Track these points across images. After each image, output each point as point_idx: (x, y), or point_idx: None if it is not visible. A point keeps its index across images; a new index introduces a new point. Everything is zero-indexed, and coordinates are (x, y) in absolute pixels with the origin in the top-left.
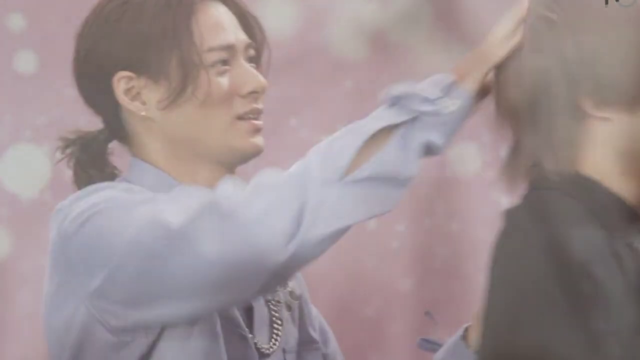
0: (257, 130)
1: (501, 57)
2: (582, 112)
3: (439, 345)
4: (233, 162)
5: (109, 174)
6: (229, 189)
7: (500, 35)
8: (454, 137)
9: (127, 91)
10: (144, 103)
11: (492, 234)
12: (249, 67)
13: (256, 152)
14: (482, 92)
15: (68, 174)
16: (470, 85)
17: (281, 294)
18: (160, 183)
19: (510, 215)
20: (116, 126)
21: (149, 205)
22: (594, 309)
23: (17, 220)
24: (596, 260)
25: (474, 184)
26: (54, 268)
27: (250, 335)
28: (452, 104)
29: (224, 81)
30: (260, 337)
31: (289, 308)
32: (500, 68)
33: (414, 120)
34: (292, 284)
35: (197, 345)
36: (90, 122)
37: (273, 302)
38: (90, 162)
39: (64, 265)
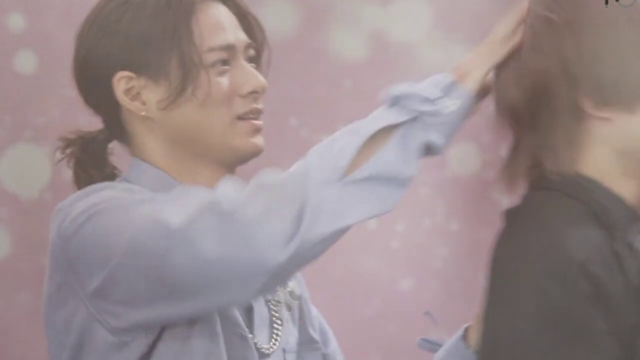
0: (257, 130)
1: (501, 57)
2: (582, 112)
3: (439, 345)
4: (233, 162)
5: (109, 174)
6: (229, 189)
7: (500, 35)
8: (454, 137)
9: (127, 91)
10: (144, 103)
11: (492, 234)
12: (249, 67)
13: (256, 152)
14: (482, 92)
15: (68, 174)
16: (470, 85)
17: (281, 294)
18: (160, 183)
19: (510, 216)
20: (116, 126)
21: (149, 205)
22: (594, 309)
23: (17, 220)
24: (596, 260)
25: (474, 184)
26: (53, 268)
27: (250, 335)
28: (452, 104)
29: (224, 81)
30: (260, 337)
31: (289, 308)
32: (500, 68)
33: (414, 120)
34: (292, 284)
35: (197, 345)
36: (90, 122)
37: (273, 302)
38: (90, 162)
39: (64, 265)
